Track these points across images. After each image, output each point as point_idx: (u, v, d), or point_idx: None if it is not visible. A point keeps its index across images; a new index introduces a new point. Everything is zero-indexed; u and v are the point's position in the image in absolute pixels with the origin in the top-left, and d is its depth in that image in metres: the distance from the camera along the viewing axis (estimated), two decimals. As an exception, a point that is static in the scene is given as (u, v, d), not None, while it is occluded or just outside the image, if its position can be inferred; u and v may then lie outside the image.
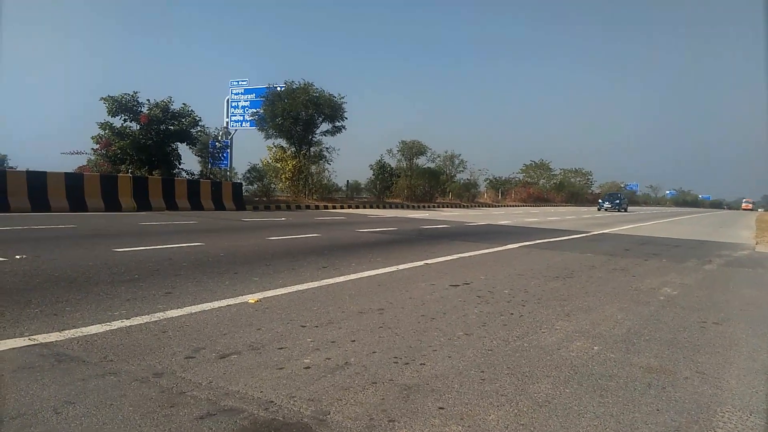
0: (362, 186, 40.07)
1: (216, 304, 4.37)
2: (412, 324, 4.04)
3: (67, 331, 3.43)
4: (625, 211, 43.27)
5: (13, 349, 3.06)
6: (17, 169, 17.21)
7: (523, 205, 47.69)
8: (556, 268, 7.50)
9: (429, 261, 7.54)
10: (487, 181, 54.70)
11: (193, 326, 3.71)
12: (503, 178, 58.35)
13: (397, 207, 31.19)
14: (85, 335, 3.39)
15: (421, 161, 41.15)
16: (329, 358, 3.15)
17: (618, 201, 44.20)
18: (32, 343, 3.18)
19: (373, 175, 37.39)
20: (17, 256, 6.23)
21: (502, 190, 55.19)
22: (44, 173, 15.09)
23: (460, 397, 2.66)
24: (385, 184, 36.62)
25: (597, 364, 3.27)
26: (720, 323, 4.54)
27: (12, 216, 12.43)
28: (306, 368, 2.97)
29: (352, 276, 6.04)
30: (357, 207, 28.15)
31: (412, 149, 40.35)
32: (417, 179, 38.81)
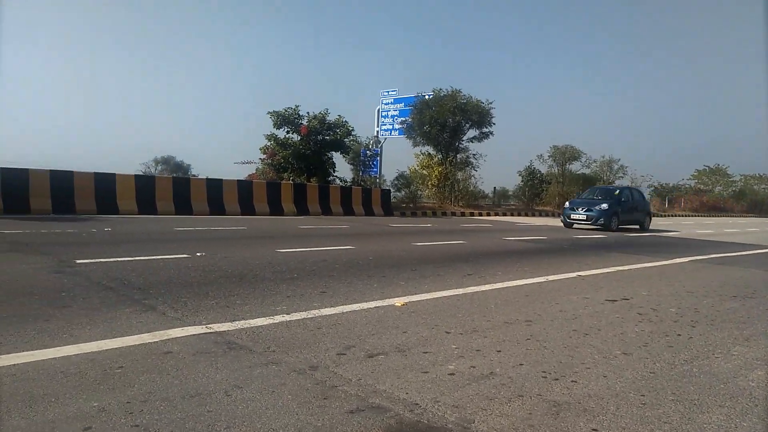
0: (510, 193, 39.06)
1: (365, 305, 4.56)
2: (562, 338, 3.84)
3: (237, 322, 3.82)
4: None
5: (193, 335, 3.48)
6: (199, 177, 19.61)
7: (695, 215, 42.92)
8: (734, 286, 6.63)
9: (582, 273, 7.12)
10: (652, 189, 50.13)
11: (345, 325, 3.91)
12: (670, 185, 53.14)
13: (547, 215, 29.93)
14: (252, 327, 3.74)
15: (575, 167, 38.98)
16: (474, 367, 3.12)
17: None
18: (208, 331, 3.59)
19: (522, 181, 36.28)
20: (197, 254, 7.08)
21: (669, 198, 50.23)
22: (220, 180, 16.99)
23: (617, 421, 2.47)
24: (535, 191, 35.32)
25: (786, 400, 2.83)
26: None
27: (194, 218, 14.17)
28: (450, 374, 2.97)
29: (498, 285, 5.92)
30: (504, 214, 27.55)
31: (565, 154, 38.37)
32: (570, 186, 36.79)
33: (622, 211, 18.25)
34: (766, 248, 12.98)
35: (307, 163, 23.97)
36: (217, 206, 16.17)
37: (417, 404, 2.54)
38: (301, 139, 24.13)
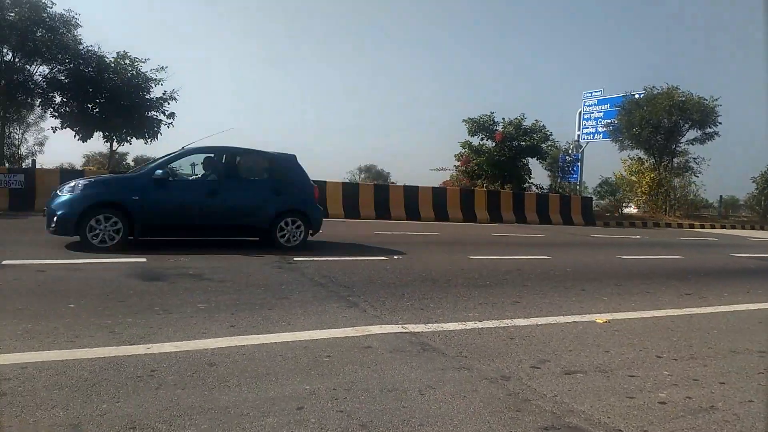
0: (740, 203, 33.75)
1: (562, 319, 4.34)
2: (810, 377, 3.19)
3: (430, 324, 3.93)
4: None
5: (391, 333, 3.67)
6: (397, 184, 20.68)
7: None
8: None
9: (840, 300, 5.83)
10: None
11: (539, 337, 3.77)
12: None
13: (789, 229, 25.20)
14: (445, 330, 3.81)
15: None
16: (690, 398, 2.75)
17: None
18: (404, 330, 3.75)
19: (757, 189, 31.08)
20: (395, 257, 7.45)
21: None
22: (417, 187, 17.69)
23: None
24: (774, 201, 30.01)
25: None
26: None
27: (392, 223, 14.96)
28: (661, 403, 2.66)
29: (723, 308, 5.15)
30: (732, 227, 23.90)
31: (816, 157, 31.94)
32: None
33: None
34: None
35: (501, 169, 23.69)
36: (412, 212, 16.86)
37: (620, 430, 2.33)
38: (495, 145, 23.95)
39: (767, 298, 5.71)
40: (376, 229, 12.18)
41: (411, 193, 17.38)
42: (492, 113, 24.24)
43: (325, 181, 16.11)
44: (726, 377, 3.11)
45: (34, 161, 20.25)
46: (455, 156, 25.31)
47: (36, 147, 28.05)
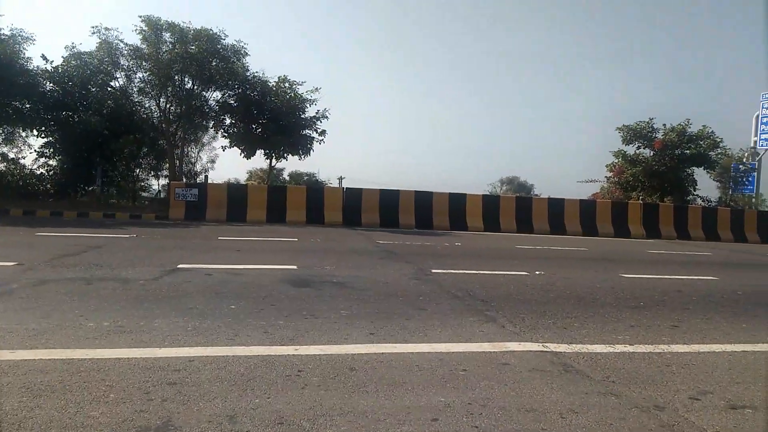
0: None
1: (728, 348, 3.86)
2: None
3: (574, 345, 3.73)
4: None
5: (530, 351, 3.55)
6: (540, 196, 19.93)
7: None
8: None
9: None
10: None
11: (700, 366, 3.39)
12: None
13: None
14: (590, 352, 3.59)
15: None
16: None
17: None
18: (544, 349, 3.60)
19: None
20: (536, 272, 7.18)
21: None
22: (562, 200, 16.87)
23: None
24: None
25: None
26: None
27: (534, 237, 14.43)
28: None
29: None
30: None
31: None
32: None
33: None
34: None
35: (660, 180, 21.71)
36: (557, 225, 16.11)
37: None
38: (654, 154, 22.03)
39: None
40: (517, 243, 11.86)
41: (556, 205, 16.64)
42: (651, 119, 22.40)
43: (465, 194, 16.09)
44: None
45: (206, 177, 22.86)
46: (607, 166, 23.76)
47: (209, 164, 31.61)
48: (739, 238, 17.27)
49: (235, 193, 15.27)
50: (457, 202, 15.83)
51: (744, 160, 25.58)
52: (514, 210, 16.22)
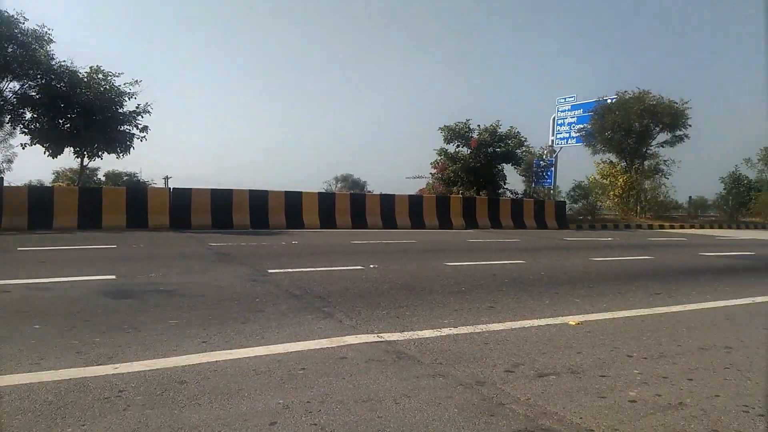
0: (709, 203, 34.59)
1: (535, 323, 4.38)
2: (774, 370, 3.27)
3: (406, 333, 3.93)
4: None
5: (366, 343, 3.66)
6: (373, 193, 20.74)
7: None
8: None
9: (803, 295, 6.01)
10: None
11: (513, 341, 3.80)
12: None
13: (755, 227, 25.93)
14: (420, 338, 3.81)
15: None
16: (659, 395, 2.80)
17: None
18: (380, 339, 3.74)
19: (725, 189, 31.95)
20: (371, 266, 7.44)
21: None
22: (393, 196, 17.74)
23: None
24: (741, 200, 30.83)
25: None
26: None
27: (368, 232, 14.96)
28: (631, 401, 2.70)
29: (692, 306, 5.27)
30: (701, 227, 24.48)
31: (781, 157, 32.97)
32: (785, 193, 31.50)
33: None
34: None
35: (476, 176, 23.91)
36: (389, 220, 16.88)
37: (592, 430, 2.36)
38: (471, 152, 24.18)
39: (733, 296, 5.85)
40: (352, 239, 12.17)
41: (387, 201, 17.42)
42: (468, 120, 24.51)
43: (300, 192, 16.07)
44: (694, 374, 3.17)
45: (1, 179, 19.72)
46: (431, 164, 25.49)
47: (4, 164, 27.34)
48: (541, 225, 19.75)
49: (39, 196, 13.36)
50: (293, 200, 15.74)
51: (544, 156, 29.27)
52: (349, 207, 16.64)
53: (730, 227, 25.53)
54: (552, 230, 18.95)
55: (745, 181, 32.06)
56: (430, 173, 25.78)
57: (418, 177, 26.83)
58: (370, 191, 25.70)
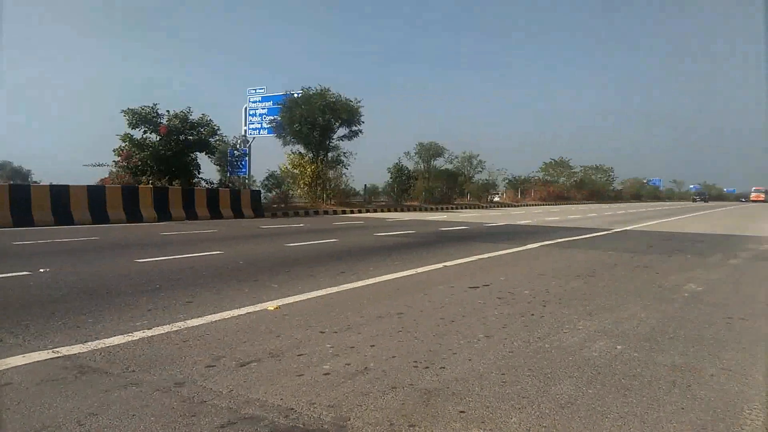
0: (380, 190, 40.03)
1: (236, 312, 4.40)
2: (431, 327, 4.01)
3: (89, 343, 3.48)
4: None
5: (38, 362, 3.11)
6: (41, 183, 17.60)
7: (544, 204, 47.22)
8: (577, 267, 7.40)
9: (448, 263, 7.50)
10: (506, 181, 54.34)
11: (214, 335, 3.74)
12: (522, 178, 57.88)
13: (415, 210, 31.14)
14: (108, 346, 3.43)
15: (439, 163, 41.08)
16: (349, 364, 3.14)
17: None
18: (56, 355, 3.23)
19: (391, 178, 37.38)
20: (41, 270, 6.35)
21: (522, 190, 54.74)
22: (67, 187, 15.35)
23: (481, 400, 2.63)
24: (403, 187, 36.55)
25: (620, 364, 3.21)
26: (746, 319, 4.43)
27: (36, 230, 12.69)
28: (325, 374, 2.97)
29: (371, 280, 6.04)
30: (375, 211, 28.17)
31: (430, 151, 40.26)
32: (435, 181, 38.72)
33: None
34: (603, 231, 14.66)
35: (168, 165, 22.51)
36: (63, 215, 14.61)
37: (292, 409, 2.50)
38: (160, 139, 22.61)
39: (402, 269, 6.92)
40: (13, 239, 10.12)
41: (60, 193, 15.00)
42: (155, 105, 22.77)
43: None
44: (375, 340, 3.66)
45: None
46: (114, 151, 22.89)
47: None
48: (238, 214, 19.85)
49: None
50: None
51: (237, 146, 29.38)
52: (8, 201, 13.76)
53: (396, 210, 30.06)
54: (249, 219, 19.23)
55: (406, 171, 38.14)
56: (114, 161, 23.18)
57: (99, 165, 23.77)
58: (36, 182, 21.65)
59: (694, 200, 76.44)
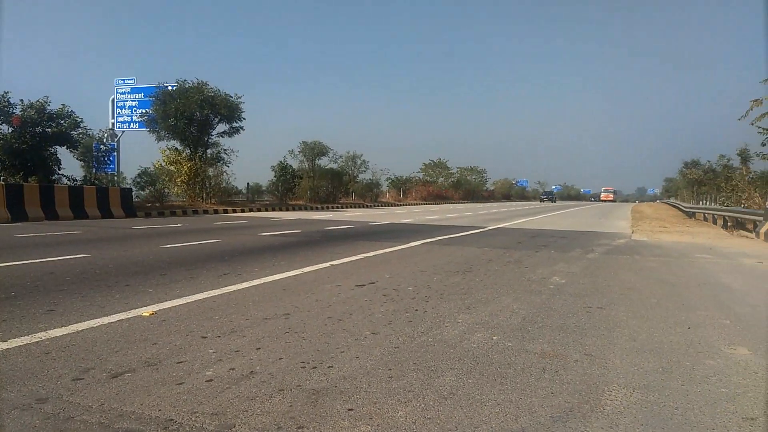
0: (264, 188, 39.15)
1: (106, 320, 4.07)
2: (319, 327, 4.01)
3: (-73, 361, 3.04)
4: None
5: None
6: None
7: (424, 203, 49.04)
8: (456, 263, 7.79)
9: (334, 262, 7.54)
10: (389, 181, 55.71)
11: (81, 345, 3.43)
12: (404, 178, 59.65)
13: (300, 209, 30.86)
14: (-49, 364, 3.02)
15: (324, 162, 41.13)
16: (233, 369, 3.05)
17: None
18: None
19: (275, 176, 36.68)
20: None
21: (404, 189, 56.40)
22: None
23: (369, 397, 2.68)
24: (288, 186, 36.03)
25: (496, 354, 3.44)
26: (603, 307, 4.95)
27: None
28: (208, 381, 2.85)
29: (256, 282, 5.89)
30: (259, 210, 27.49)
31: (314, 150, 40.13)
32: (320, 180, 38.64)
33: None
34: (478, 229, 15.56)
35: (23, 159, 20.29)
36: None
37: (172, 420, 2.37)
38: (13, 131, 20.28)
39: (288, 269, 6.83)
40: None
41: None
42: (7, 92, 20.38)
43: None
44: (261, 342, 3.58)
45: None
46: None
47: None
48: (107, 214, 18.36)
49: None
50: None
51: (104, 140, 27.17)
52: None
53: (281, 209, 29.57)
54: (119, 219, 17.87)
55: (291, 170, 37.64)
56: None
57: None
58: None
59: (542, 200, 78.81)
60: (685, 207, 32.27)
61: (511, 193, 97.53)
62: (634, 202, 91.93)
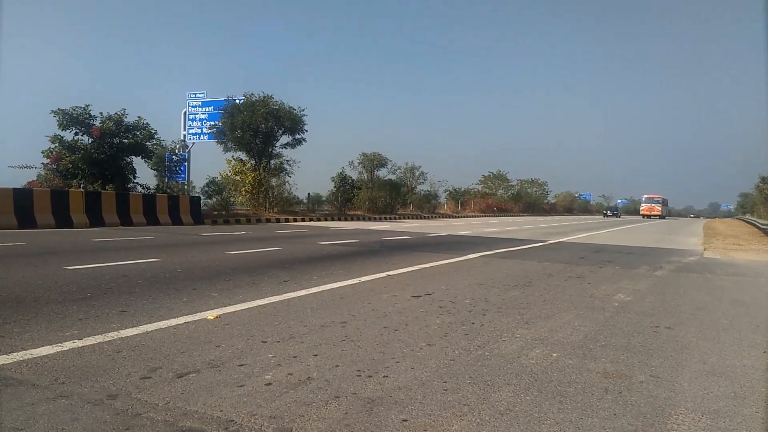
0: (323, 198, 39.88)
1: (173, 322, 4.26)
2: (374, 336, 4.03)
3: (15, 354, 3.28)
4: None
5: (-45, 375, 2.91)
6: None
7: (483, 216, 48.40)
8: (515, 277, 7.63)
9: (391, 272, 7.56)
10: (447, 192, 55.43)
11: (149, 345, 3.61)
12: (462, 189, 59.20)
13: (358, 219, 31.18)
14: (35, 357, 3.24)
15: (382, 173, 41.48)
16: (291, 374, 3.11)
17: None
18: (-24, 368, 3.03)
19: (335, 187, 37.28)
20: (-41, 277, 5.93)
21: (462, 201, 55.93)
22: (-11, 189, 14.44)
23: (423, 408, 2.67)
24: (347, 197, 36.55)
25: (556, 371, 3.34)
26: (672, 327, 4.71)
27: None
28: (267, 385, 2.92)
29: (314, 289, 6.00)
30: (318, 220, 28.01)
31: (373, 161, 40.53)
32: (378, 191, 38.98)
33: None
34: (538, 243, 15.19)
35: (101, 168, 21.57)
36: (-16, 219, 13.70)
37: (232, 421, 2.45)
38: (93, 141, 21.64)
39: (345, 278, 6.92)
40: (-75, 244, 9.40)
41: (-21, 196, 14.06)
42: (87, 106, 21.80)
43: None
44: (318, 349, 3.64)
45: None
46: (43, 153, 21.70)
47: None
48: (177, 221, 19.24)
49: None
50: None
51: (176, 151, 28.51)
52: None
53: (340, 219, 29.99)
54: (188, 226, 18.67)
55: (350, 181, 38.17)
56: (42, 163, 21.95)
57: (27, 167, 22.46)
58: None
59: (605, 215, 75.72)
60: (761, 224, 30.28)
61: (573, 206, 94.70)
62: (702, 217, 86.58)
